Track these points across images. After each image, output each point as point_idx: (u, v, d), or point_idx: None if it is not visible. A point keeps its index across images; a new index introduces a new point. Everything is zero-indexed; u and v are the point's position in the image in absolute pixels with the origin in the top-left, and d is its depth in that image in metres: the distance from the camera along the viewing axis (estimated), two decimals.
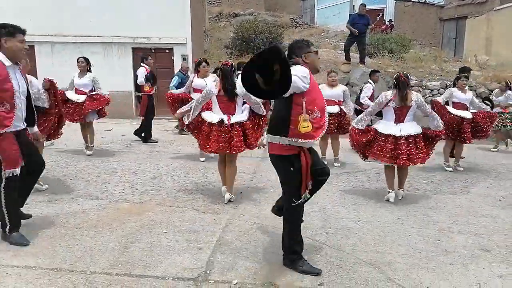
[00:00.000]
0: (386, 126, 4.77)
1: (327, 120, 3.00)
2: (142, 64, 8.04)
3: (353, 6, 18.43)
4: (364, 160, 5.11)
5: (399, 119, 4.77)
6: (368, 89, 7.34)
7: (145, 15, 10.93)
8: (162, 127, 9.26)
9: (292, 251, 3.05)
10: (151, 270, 2.94)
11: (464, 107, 6.26)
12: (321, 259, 3.21)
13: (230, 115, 4.45)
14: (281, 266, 3.09)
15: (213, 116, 4.49)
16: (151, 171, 5.74)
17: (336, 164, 6.51)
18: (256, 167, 6.25)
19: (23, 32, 3.20)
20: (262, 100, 4.57)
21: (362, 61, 11.15)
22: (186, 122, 4.56)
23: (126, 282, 2.77)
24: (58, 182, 5.07)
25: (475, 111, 6.29)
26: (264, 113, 4.63)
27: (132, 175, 5.48)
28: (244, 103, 4.59)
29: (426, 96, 10.97)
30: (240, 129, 4.42)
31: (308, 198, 3.01)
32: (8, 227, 3.25)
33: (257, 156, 7.02)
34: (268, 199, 4.69)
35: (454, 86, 6.48)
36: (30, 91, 4.46)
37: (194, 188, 5.00)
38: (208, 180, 5.41)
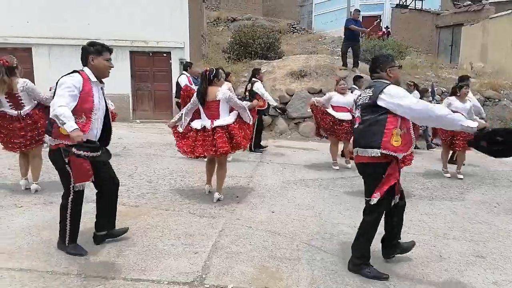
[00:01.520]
0: None
1: (413, 136, 3.15)
2: (184, 72, 7.92)
3: (350, 12, 18.57)
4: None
5: None
6: None
7: (143, 19, 10.96)
8: (160, 130, 9.25)
9: (360, 256, 3.11)
10: (146, 274, 2.93)
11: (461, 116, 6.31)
12: (317, 264, 3.21)
13: (214, 120, 4.61)
14: (277, 271, 3.09)
15: (197, 123, 4.69)
16: (148, 175, 5.72)
17: (348, 165, 6.77)
18: (253, 171, 6.25)
19: (110, 50, 3.24)
20: (249, 106, 4.81)
21: (355, 65, 11.22)
22: (180, 130, 4.74)
23: (121, 286, 2.76)
24: (54, 184, 5.02)
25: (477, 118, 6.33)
26: (251, 121, 4.79)
27: (128, 179, 5.46)
28: (232, 109, 4.74)
29: None
30: (223, 131, 4.57)
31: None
32: (67, 239, 3.20)
33: (254, 161, 7.04)
34: (264, 204, 4.70)
35: (452, 94, 6.55)
36: (46, 96, 4.57)
37: (190, 192, 5.00)
38: (205, 184, 5.39)
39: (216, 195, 4.72)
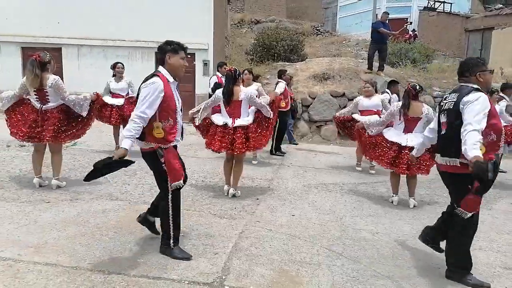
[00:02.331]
0: (394, 134, 5.01)
1: (502, 140, 3.07)
2: (217, 72, 7.79)
3: (376, 15, 18.32)
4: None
5: (407, 129, 4.94)
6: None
7: (169, 20, 11.12)
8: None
9: (463, 266, 3.10)
10: (167, 272, 2.97)
11: None
12: (338, 270, 3.18)
13: (236, 118, 4.80)
14: (297, 275, 3.07)
15: (219, 118, 4.89)
16: None
17: (371, 171, 6.70)
18: (273, 174, 6.24)
19: (185, 49, 3.25)
20: (268, 102, 5.00)
21: (381, 68, 11.03)
22: (197, 123, 5.03)
23: (143, 283, 2.81)
24: (80, 181, 5.16)
25: (504, 124, 6.16)
26: (271, 115, 4.91)
27: (151, 177, 5.44)
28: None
29: None
30: (242, 132, 4.75)
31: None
32: (172, 241, 3.21)
33: (275, 163, 7.02)
34: (284, 207, 4.68)
35: None
36: (71, 97, 4.74)
37: (211, 193, 5.03)
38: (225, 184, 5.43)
39: (231, 190, 4.89)
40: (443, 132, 3.12)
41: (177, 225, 3.25)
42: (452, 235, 3.12)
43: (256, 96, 6.60)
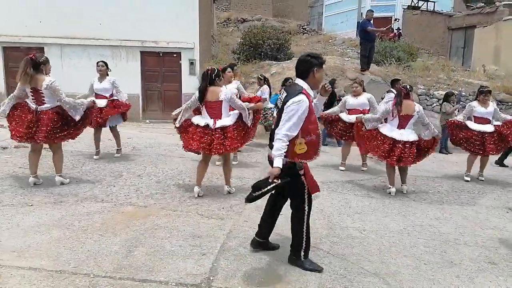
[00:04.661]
0: (389, 130, 5.41)
1: None
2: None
3: (361, 13, 18.44)
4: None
5: (401, 125, 5.36)
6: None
7: (154, 19, 11.02)
8: (169, 130, 9.28)
9: None
10: (154, 275, 2.93)
11: (486, 121, 6.30)
12: (325, 268, 3.18)
13: (217, 119, 4.76)
14: (285, 274, 3.06)
15: (200, 120, 4.83)
16: (156, 175, 5.74)
17: (363, 168, 6.88)
18: (261, 173, 6.22)
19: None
20: (249, 108, 4.90)
21: (368, 67, 11.07)
22: (177, 125, 4.91)
23: (129, 286, 2.77)
24: (65, 184, 5.08)
25: (499, 123, 6.25)
26: (249, 123, 4.88)
27: (137, 179, 5.49)
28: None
29: (433, 105, 10.92)
30: (221, 132, 4.70)
31: None
32: (302, 253, 3.15)
33: (262, 162, 7.01)
34: None
35: (475, 99, 6.50)
36: (67, 99, 4.76)
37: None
38: (213, 185, 5.41)
39: (226, 188, 5.01)
40: None
41: (309, 236, 3.17)
42: None
43: (236, 96, 6.60)
